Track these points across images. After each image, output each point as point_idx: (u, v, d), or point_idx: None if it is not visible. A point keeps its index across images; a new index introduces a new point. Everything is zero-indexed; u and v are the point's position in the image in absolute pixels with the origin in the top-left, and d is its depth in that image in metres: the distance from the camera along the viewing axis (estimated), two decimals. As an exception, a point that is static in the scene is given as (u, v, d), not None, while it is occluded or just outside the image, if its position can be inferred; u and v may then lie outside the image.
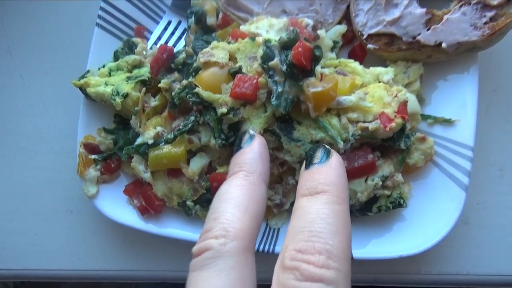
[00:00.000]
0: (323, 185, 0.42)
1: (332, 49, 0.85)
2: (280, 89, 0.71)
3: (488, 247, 0.85)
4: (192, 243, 0.80)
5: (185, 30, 0.94)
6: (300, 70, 0.71)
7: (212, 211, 0.45)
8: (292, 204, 0.81)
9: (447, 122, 0.81)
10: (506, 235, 0.85)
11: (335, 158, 0.46)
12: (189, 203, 0.80)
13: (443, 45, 0.78)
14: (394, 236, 0.79)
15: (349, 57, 0.88)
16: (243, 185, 0.46)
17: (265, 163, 0.51)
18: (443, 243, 0.77)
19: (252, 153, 0.50)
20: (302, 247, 0.37)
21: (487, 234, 0.85)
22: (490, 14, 0.77)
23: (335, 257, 0.36)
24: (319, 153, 0.46)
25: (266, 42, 0.73)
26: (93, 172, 0.84)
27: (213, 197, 0.48)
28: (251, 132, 0.54)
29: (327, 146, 0.48)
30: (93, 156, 0.84)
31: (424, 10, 0.80)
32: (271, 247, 0.79)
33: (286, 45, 0.72)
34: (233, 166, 0.51)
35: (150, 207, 0.82)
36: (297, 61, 0.69)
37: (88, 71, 0.88)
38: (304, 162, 0.47)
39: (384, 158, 0.77)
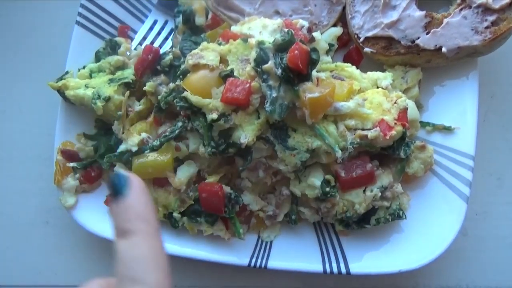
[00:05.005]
0: (131, 223, 0.42)
1: (327, 53, 0.81)
2: (274, 94, 0.67)
3: (487, 260, 0.82)
4: (178, 258, 0.76)
5: (172, 30, 0.89)
6: (296, 74, 0.67)
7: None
8: (286, 215, 0.77)
9: (447, 130, 0.78)
10: (506, 247, 0.82)
11: (136, 186, 0.44)
12: (175, 214, 0.75)
13: (443, 49, 0.75)
14: (392, 249, 0.75)
15: (345, 61, 0.84)
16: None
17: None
18: (442, 255, 0.73)
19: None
20: None
21: (487, 246, 0.82)
22: (491, 18, 0.74)
23: None
24: (119, 181, 0.44)
25: (260, 44, 0.69)
26: (71, 181, 0.78)
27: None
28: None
29: (124, 173, 0.45)
30: (71, 164, 0.78)
31: (423, 13, 0.77)
32: (264, 261, 0.75)
33: (281, 48, 0.67)
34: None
35: (133, 219, 0.76)
36: (293, 65, 0.65)
37: (67, 72, 0.82)
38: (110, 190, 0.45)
39: (383, 168, 0.74)
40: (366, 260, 0.75)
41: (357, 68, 0.80)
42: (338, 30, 0.84)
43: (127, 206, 0.43)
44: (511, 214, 0.83)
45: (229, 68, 0.71)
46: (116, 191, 0.44)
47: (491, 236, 0.83)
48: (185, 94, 0.70)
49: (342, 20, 0.84)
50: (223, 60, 0.73)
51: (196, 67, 0.71)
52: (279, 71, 0.66)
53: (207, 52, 0.73)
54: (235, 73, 0.70)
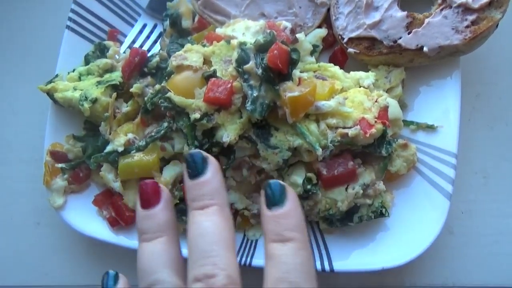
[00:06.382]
0: (289, 231, 0.46)
1: (311, 53, 0.82)
2: (255, 94, 0.68)
3: (473, 258, 0.82)
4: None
5: (161, 33, 0.91)
6: (276, 74, 0.68)
7: (203, 251, 0.45)
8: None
9: (430, 128, 0.79)
10: (491, 245, 0.82)
11: (292, 198, 0.48)
12: (161, 214, 0.76)
13: (425, 49, 0.76)
14: (376, 247, 0.76)
15: (330, 61, 0.85)
16: (223, 223, 0.47)
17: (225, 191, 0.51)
18: (428, 254, 0.74)
19: (217, 182, 0.49)
20: None
21: (473, 244, 0.82)
22: (471, 17, 0.75)
23: None
24: (277, 192, 0.48)
25: (241, 44, 0.70)
26: (60, 181, 0.80)
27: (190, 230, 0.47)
28: (204, 153, 0.50)
29: (282, 183, 0.49)
30: (60, 165, 0.80)
31: (405, 13, 0.78)
32: (249, 259, 0.75)
33: (261, 48, 0.69)
34: (200, 196, 0.48)
35: (120, 218, 0.78)
36: (272, 64, 0.66)
37: (56, 76, 0.84)
38: (264, 200, 0.48)
39: (365, 166, 0.74)
40: (350, 258, 0.75)
41: (342, 68, 0.81)
42: (322, 32, 0.85)
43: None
44: (497, 211, 0.83)
45: (212, 69, 0.72)
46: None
47: (477, 234, 0.83)
48: (168, 94, 0.71)
49: (327, 21, 0.86)
50: (207, 62, 0.74)
51: (180, 68, 0.73)
52: (259, 71, 0.67)
53: (191, 54, 0.74)
54: (218, 74, 0.71)
